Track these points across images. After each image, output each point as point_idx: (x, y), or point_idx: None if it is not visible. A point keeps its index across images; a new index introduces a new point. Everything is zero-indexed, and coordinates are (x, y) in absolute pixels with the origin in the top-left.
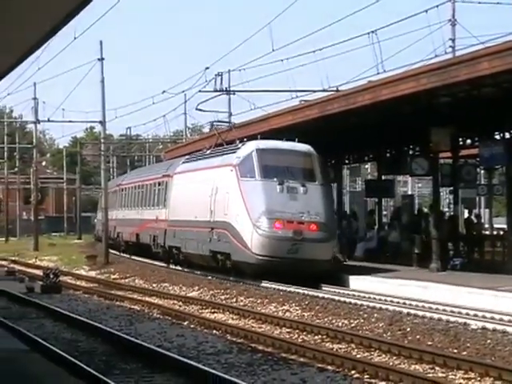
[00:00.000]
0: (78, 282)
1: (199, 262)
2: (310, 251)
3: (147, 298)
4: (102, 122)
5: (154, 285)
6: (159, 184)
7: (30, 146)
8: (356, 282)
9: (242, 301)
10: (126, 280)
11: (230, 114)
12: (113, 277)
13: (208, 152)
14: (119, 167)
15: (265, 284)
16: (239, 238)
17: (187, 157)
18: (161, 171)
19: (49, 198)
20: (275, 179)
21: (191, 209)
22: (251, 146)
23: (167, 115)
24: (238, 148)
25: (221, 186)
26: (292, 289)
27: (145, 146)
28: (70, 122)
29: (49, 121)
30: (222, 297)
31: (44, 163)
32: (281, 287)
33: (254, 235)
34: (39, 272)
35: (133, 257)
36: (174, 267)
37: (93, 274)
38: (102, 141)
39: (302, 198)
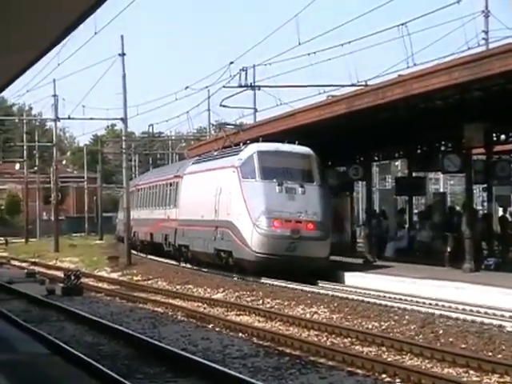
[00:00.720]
0: (100, 284)
1: (206, 260)
2: (308, 249)
3: (171, 301)
4: (124, 119)
5: (178, 287)
6: (171, 185)
7: (49, 144)
8: (385, 282)
9: (268, 303)
10: (149, 282)
11: (256, 110)
12: (135, 278)
13: (215, 153)
14: (141, 165)
15: (292, 285)
16: (240, 236)
17: (196, 158)
18: (172, 172)
19: (69, 197)
20: (275, 180)
21: (198, 208)
22: (252, 149)
23: (190, 112)
24: (241, 150)
25: (224, 186)
26: (321, 290)
27: (167, 144)
28: (91, 119)
29: (69, 118)
30: (248, 299)
31: (64, 162)
32: (308, 288)
33: (254, 234)
34: (60, 274)
35: (153, 257)
36: (184, 265)
37: (115, 275)
38: (124, 138)
39: (300, 198)
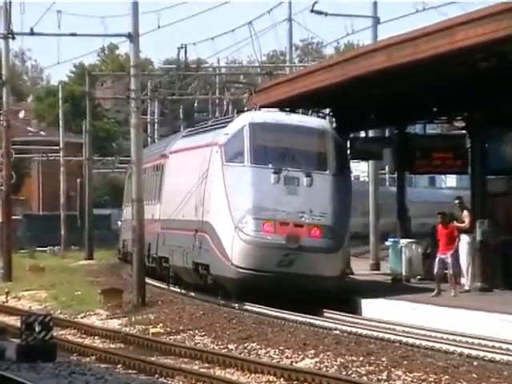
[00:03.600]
0: (88, 341)
1: (186, 279)
2: (310, 264)
3: (220, 372)
4: (133, 36)
5: (232, 346)
6: (157, 168)
7: None
8: None
9: (398, 377)
10: (179, 336)
11: (377, 22)
12: (153, 330)
13: (210, 122)
14: (164, 123)
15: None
16: (219, 244)
17: (189, 129)
18: (160, 149)
19: (31, 180)
20: (270, 165)
21: (179, 204)
22: (243, 120)
23: (254, 22)
24: (230, 121)
25: (205, 172)
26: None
27: (213, 82)
28: (72, 35)
29: (32, 34)
30: (363, 369)
31: (22, 114)
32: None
33: (236, 241)
34: (14, 321)
35: (180, 290)
36: (174, 289)
37: (115, 324)
38: (132, 71)
39: (304, 193)
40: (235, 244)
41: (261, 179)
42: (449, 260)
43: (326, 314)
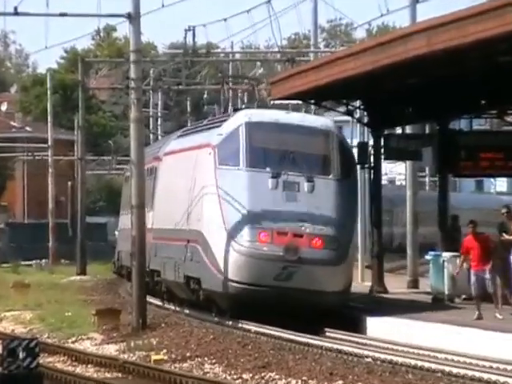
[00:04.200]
0: (81, 369)
1: (178, 294)
2: (310, 278)
3: None
4: (132, 17)
5: (247, 375)
6: (150, 172)
7: None
8: None
9: None
10: (186, 364)
11: (416, 0)
12: (155, 357)
13: (206, 121)
14: (169, 117)
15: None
16: (211, 255)
17: (185, 128)
18: (155, 150)
19: (15, 182)
20: (268, 169)
21: (170, 212)
22: (239, 118)
23: (273, 1)
24: (224, 120)
25: (198, 176)
26: None
27: (225, 69)
28: (62, 15)
29: (16, 14)
30: None
31: (5, 106)
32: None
33: (229, 252)
34: None
35: (190, 311)
36: (169, 307)
37: (111, 350)
38: (133, 57)
39: (304, 199)
40: (228, 255)
41: (257, 184)
42: (487, 276)
43: (354, 339)
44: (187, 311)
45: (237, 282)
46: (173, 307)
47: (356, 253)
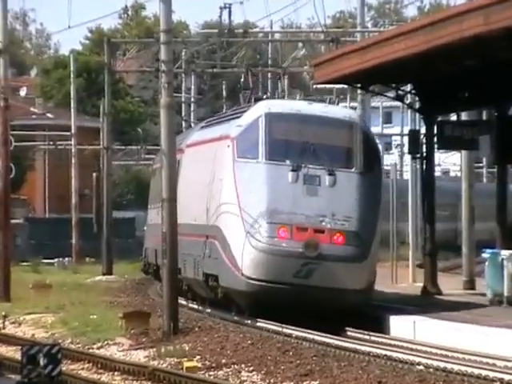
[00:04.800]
0: (107, 377)
1: (199, 293)
2: (331, 275)
3: None
4: None
5: None
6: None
7: None
8: None
9: None
10: (221, 372)
11: None
12: (188, 365)
13: (228, 113)
14: (202, 103)
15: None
16: (228, 251)
17: (209, 118)
18: (179, 141)
19: (35, 173)
20: (288, 162)
21: (191, 206)
22: (259, 109)
23: None
24: (244, 111)
25: (217, 169)
26: None
27: (264, 50)
28: None
29: None
30: None
31: (24, 91)
32: None
33: (247, 248)
34: (13, 352)
35: (223, 314)
36: (203, 309)
37: (140, 356)
38: (163, 38)
39: (326, 194)
40: (246, 252)
41: (277, 177)
42: None
43: (404, 345)
44: (208, 310)
45: (255, 280)
46: (208, 310)
47: (379, 250)
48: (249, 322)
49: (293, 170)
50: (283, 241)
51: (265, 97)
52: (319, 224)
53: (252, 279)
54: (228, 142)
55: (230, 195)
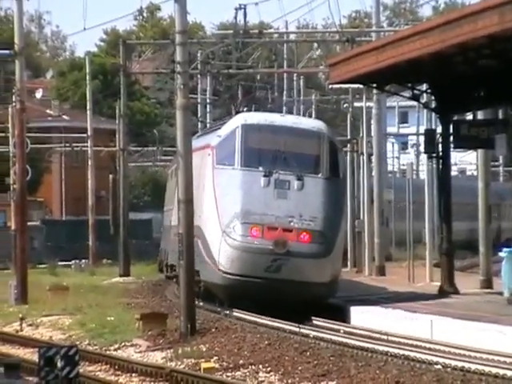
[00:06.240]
0: (124, 379)
1: None
2: (298, 270)
3: None
4: None
5: None
6: (175, 170)
7: (5, 50)
8: None
9: None
10: (239, 373)
11: None
12: (206, 366)
13: (217, 124)
14: (218, 103)
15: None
16: (207, 249)
17: (205, 128)
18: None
19: (52, 175)
20: (260, 168)
21: None
22: (237, 121)
23: None
24: (225, 122)
25: (201, 175)
26: None
27: (279, 50)
28: None
29: None
30: None
31: (40, 93)
32: None
33: (223, 246)
34: (31, 354)
35: (243, 315)
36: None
37: (157, 357)
38: (178, 39)
39: (294, 196)
40: (222, 249)
41: (250, 182)
42: None
43: (421, 344)
44: (201, 303)
45: (230, 274)
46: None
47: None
48: (267, 322)
49: (265, 176)
50: (255, 239)
51: (246, 109)
52: (288, 224)
53: (228, 274)
54: (209, 150)
55: (210, 198)
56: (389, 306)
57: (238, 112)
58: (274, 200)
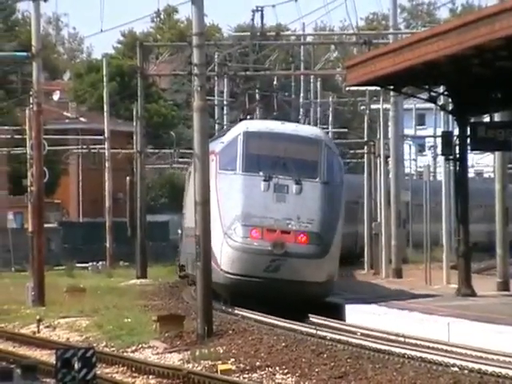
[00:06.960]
0: (141, 381)
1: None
2: (295, 270)
3: None
4: None
5: None
6: (189, 175)
7: (21, 52)
8: None
9: None
10: (255, 375)
11: None
12: (222, 367)
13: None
14: (235, 105)
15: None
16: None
17: (216, 134)
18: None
19: (69, 177)
20: (261, 173)
21: (193, 212)
22: (239, 128)
23: None
24: (229, 130)
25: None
26: None
27: (296, 53)
28: None
29: None
30: None
31: (57, 95)
32: None
33: (224, 247)
34: (48, 356)
35: (261, 317)
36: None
37: (174, 359)
38: (196, 41)
39: (292, 200)
40: (224, 250)
41: (251, 187)
42: None
43: (438, 346)
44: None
45: (231, 274)
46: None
47: (340, 248)
48: (284, 324)
49: (265, 180)
50: (255, 240)
51: (249, 117)
52: (286, 226)
53: (229, 273)
54: (213, 156)
55: (213, 202)
56: (405, 308)
57: (241, 119)
58: (273, 203)
